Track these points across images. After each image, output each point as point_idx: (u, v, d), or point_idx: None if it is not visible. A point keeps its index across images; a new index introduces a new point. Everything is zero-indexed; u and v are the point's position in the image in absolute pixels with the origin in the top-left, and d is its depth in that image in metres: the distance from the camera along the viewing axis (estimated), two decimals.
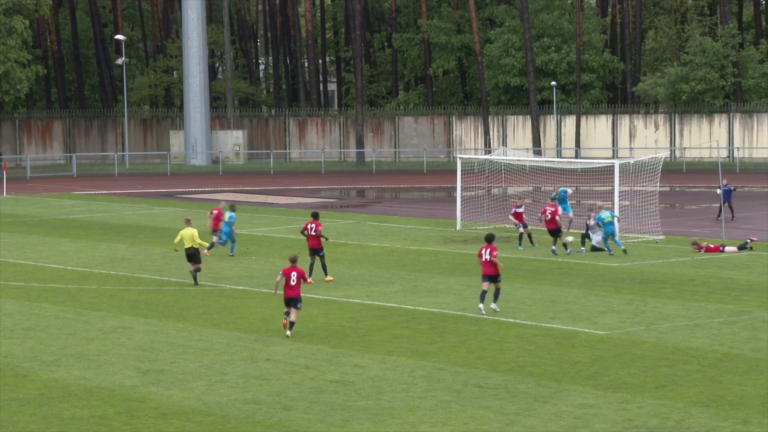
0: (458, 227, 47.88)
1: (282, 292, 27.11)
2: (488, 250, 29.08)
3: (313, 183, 75.87)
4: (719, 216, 49.44)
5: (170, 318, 29.18)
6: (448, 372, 23.17)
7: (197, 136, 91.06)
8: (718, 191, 50.23)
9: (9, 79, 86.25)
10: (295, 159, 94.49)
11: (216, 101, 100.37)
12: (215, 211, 41.40)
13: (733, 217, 50.14)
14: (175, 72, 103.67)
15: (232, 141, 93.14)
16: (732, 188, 50.31)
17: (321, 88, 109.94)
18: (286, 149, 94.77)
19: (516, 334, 26.99)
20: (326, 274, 34.61)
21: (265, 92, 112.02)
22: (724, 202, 49.80)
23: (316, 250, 34.68)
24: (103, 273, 36.94)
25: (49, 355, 24.97)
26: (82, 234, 47.68)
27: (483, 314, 29.04)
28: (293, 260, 27.47)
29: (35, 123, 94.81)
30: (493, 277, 29.07)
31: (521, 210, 42.38)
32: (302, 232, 35.42)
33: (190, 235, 34.72)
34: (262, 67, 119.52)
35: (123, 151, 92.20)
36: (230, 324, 28.35)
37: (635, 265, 37.86)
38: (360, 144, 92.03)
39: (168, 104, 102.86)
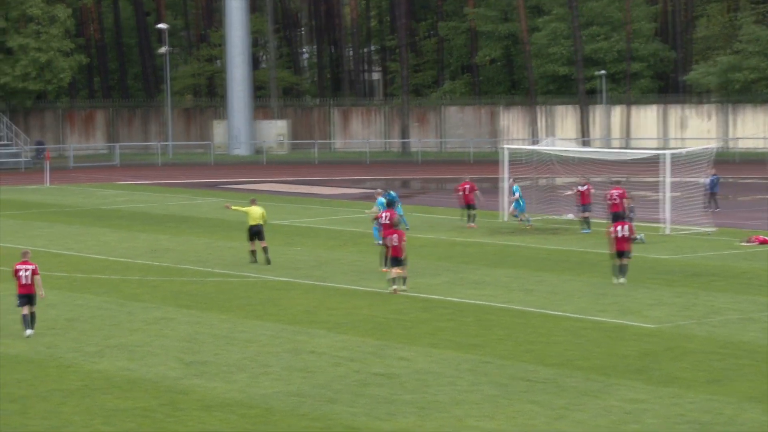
0: (505, 219, 47.75)
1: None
2: (624, 227, 31.77)
3: (356, 173, 75.91)
4: (708, 208, 49.42)
5: (213, 309, 29.29)
6: (495, 365, 23.10)
7: (240, 126, 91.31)
8: (703, 181, 49.93)
9: (52, 68, 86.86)
10: (338, 149, 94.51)
11: (259, 90, 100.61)
12: (464, 186, 46.22)
13: (716, 208, 49.89)
14: (218, 61, 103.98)
15: (276, 131, 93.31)
16: (718, 179, 50.40)
17: (365, 78, 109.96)
18: (329, 139, 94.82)
19: (564, 327, 26.88)
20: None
21: (308, 81, 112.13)
22: (710, 193, 49.81)
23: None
24: (145, 264, 37.12)
25: (92, 347, 25.12)
26: (125, 224, 47.95)
27: (619, 282, 31.87)
28: (395, 224, 32.74)
29: (78, 112, 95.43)
30: (626, 252, 31.76)
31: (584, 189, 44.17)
32: (376, 220, 36.92)
33: (259, 214, 36.59)
34: (305, 56, 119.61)
35: (166, 140, 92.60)
36: (274, 315, 28.42)
37: (686, 257, 37.63)
38: (405, 134, 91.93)
39: (211, 94, 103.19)
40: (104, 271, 35.60)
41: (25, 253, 26.85)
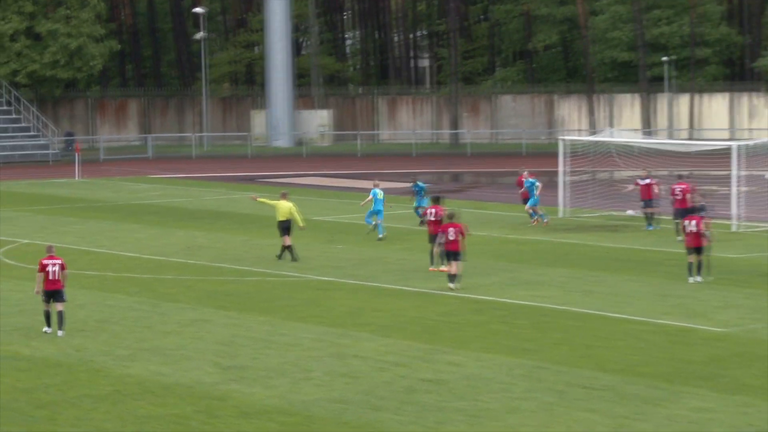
0: (561, 215, 47.61)
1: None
2: (692, 222, 31.94)
3: (403, 166, 75.89)
4: None
5: (252, 310, 29.38)
6: (550, 371, 23.03)
7: (280, 116, 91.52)
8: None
9: (82, 55, 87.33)
10: (384, 140, 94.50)
11: (300, 78, 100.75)
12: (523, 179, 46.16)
13: None
14: (257, 47, 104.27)
15: (318, 121, 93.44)
16: None
17: (412, 65, 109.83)
18: (375, 130, 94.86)
19: (624, 330, 26.74)
20: (442, 262, 34.57)
21: (352, 69, 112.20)
22: None
23: (436, 236, 34.57)
24: (180, 262, 37.30)
25: (123, 350, 25.26)
26: (158, 220, 48.19)
27: (694, 281, 32.03)
28: (450, 216, 32.16)
29: (109, 102, 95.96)
30: (698, 249, 31.91)
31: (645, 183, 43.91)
32: (422, 217, 36.60)
33: (287, 209, 37.24)
34: (349, 41, 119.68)
35: (201, 131, 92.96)
36: (316, 317, 28.47)
37: (756, 256, 37.33)
38: (455, 124, 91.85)
39: (249, 82, 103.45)
40: (136, 270, 35.81)
41: (50, 248, 27.10)
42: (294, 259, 36.92)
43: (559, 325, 27.37)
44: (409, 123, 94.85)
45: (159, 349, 25.29)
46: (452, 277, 31.85)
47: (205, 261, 37.42)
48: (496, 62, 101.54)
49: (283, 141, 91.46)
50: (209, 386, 22.22)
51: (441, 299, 30.70)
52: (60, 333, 26.46)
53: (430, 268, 34.76)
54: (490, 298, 30.74)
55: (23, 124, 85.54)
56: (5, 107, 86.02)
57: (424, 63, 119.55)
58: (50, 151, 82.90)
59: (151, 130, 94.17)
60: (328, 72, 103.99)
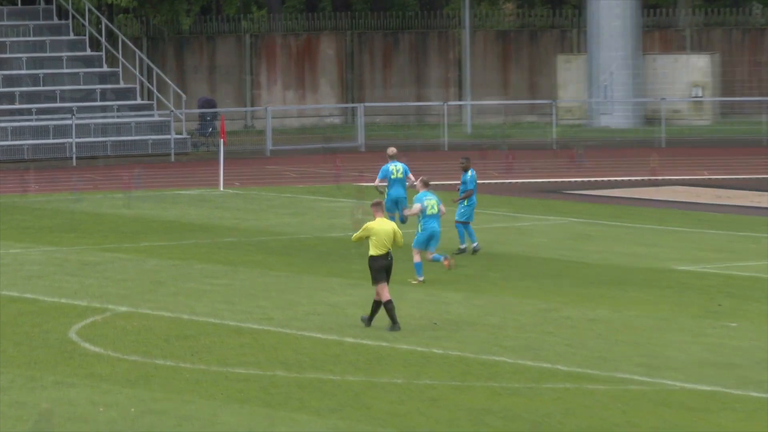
0: None
1: None
2: None
3: None
4: None
5: None
6: None
7: (614, 69, 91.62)
8: None
9: None
10: None
11: None
12: None
13: None
14: None
15: (687, 77, 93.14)
16: None
17: None
18: None
19: None
20: None
21: None
22: None
23: None
24: (418, 351, 37.07)
25: None
26: None
27: None
28: None
29: (283, 42, 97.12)
30: None
31: None
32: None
33: (388, 233, 39.06)
34: None
35: (459, 98, 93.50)
36: None
37: None
38: None
39: (553, 1, 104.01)
40: (334, 366, 35.88)
41: None
42: (394, 325, 38.67)
43: None
44: None
45: None
46: None
47: (466, 350, 37.23)
48: None
49: (618, 115, 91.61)
50: None
51: None
52: None
53: None
54: None
55: (123, 85, 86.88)
56: (91, 52, 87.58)
57: None
58: (172, 136, 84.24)
59: (362, 96, 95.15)
60: None
